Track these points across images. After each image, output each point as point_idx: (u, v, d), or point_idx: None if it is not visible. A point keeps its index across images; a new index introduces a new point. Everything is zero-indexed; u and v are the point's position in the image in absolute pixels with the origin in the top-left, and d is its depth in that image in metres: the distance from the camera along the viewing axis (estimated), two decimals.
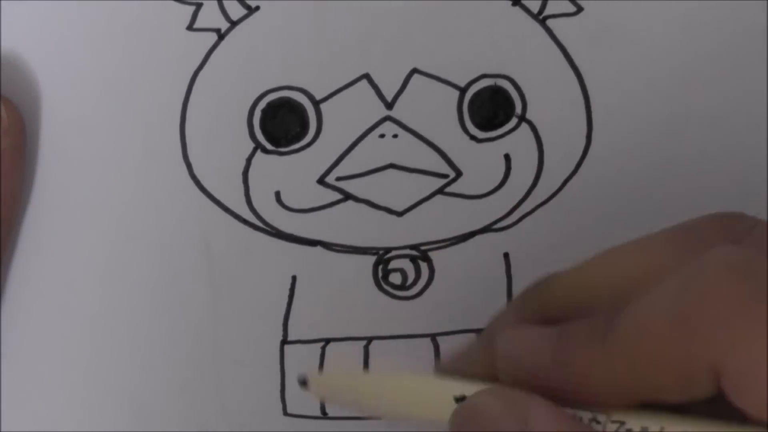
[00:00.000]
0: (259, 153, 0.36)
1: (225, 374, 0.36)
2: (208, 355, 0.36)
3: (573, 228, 0.36)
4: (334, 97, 0.36)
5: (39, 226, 0.36)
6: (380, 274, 0.36)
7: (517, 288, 0.36)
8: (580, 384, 0.25)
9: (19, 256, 0.36)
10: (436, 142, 0.36)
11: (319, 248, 0.36)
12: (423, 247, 0.36)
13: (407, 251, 0.36)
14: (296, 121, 0.36)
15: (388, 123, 0.36)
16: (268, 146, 0.36)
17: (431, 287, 0.36)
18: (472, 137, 0.36)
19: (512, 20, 0.36)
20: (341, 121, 0.36)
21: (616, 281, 0.28)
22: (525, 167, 0.36)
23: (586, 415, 0.26)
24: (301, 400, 0.36)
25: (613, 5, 0.36)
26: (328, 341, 0.36)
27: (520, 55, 0.36)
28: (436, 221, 0.36)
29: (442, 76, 0.36)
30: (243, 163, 0.36)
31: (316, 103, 0.36)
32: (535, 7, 0.36)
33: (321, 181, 0.36)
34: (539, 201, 0.36)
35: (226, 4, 0.36)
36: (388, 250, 0.36)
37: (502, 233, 0.36)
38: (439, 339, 0.36)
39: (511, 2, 0.36)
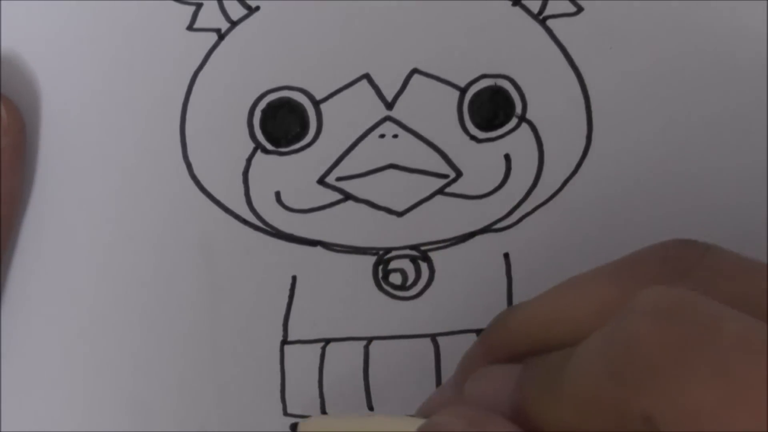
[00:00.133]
0: (259, 153, 0.36)
1: (225, 374, 0.36)
2: (207, 355, 0.36)
3: (573, 228, 0.36)
4: (334, 97, 0.36)
5: (39, 225, 0.36)
6: (380, 275, 0.36)
7: (518, 288, 0.36)
8: (536, 426, 0.26)
9: (19, 255, 0.36)
10: (436, 142, 0.36)
11: (319, 248, 0.36)
12: (423, 248, 0.36)
13: (407, 251, 0.36)
14: (296, 121, 0.36)
15: (388, 123, 0.36)
16: (268, 146, 0.36)
17: (431, 287, 0.36)
18: (472, 137, 0.36)
19: (512, 20, 0.36)
20: (341, 121, 0.36)
21: (567, 317, 0.28)
22: (525, 167, 0.36)
23: None
24: (301, 400, 0.36)
25: (613, 5, 0.36)
26: (328, 341, 0.36)
27: (520, 55, 0.36)
28: (436, 221, 0.36)
29: (442, 76, 0.36)
30: (243, 163, 0.36)
31: (316, 103, 0.36)
32: (535, 7, 0.36)
33: (321, 181, 0.36)
34: (539, 201, 0.36)
35: (226, 4, 0.36)
36: (388, 250, 0.36)
37: (503, 233, 0.36)
38: (439, 339, 0.36)
39: (511, 2, 0.36)
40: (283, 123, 0.36)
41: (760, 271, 0.27)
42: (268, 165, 0.36)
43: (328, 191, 0.36)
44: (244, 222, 0.36)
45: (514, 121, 0.36)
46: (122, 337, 0.36)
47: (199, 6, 0.36)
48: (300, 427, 0.33)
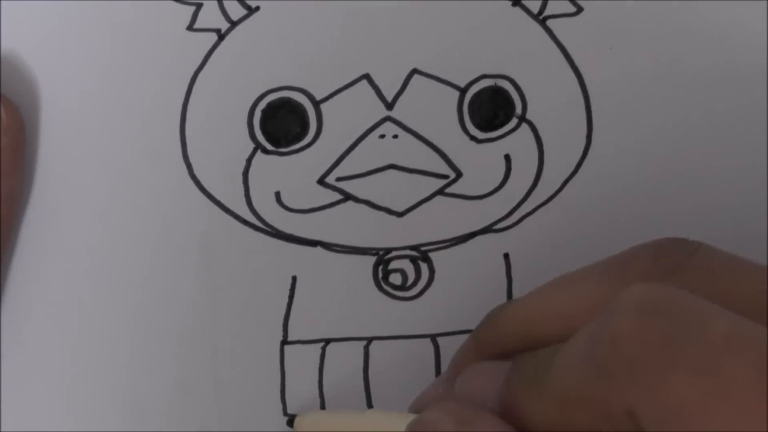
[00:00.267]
0: (259, 153, 0.36)
1: (224, 374, 0.36)
2: (207, 355, 0.36)
3: (573, 228, 0.36)
4: (334, 98, 0.36)
5: (39, 225, 0.36)
6: (380, 275, 0.36)
7: (518, 288, 0.36)
8: (524, 423, 0.26)
9: (19, 255, 0.36)
10: (436, 142, 0.36)
11: (319, 248, 0.36)
12: (423, 248, 0.36)
13: (407, 252, 0.36)
14: (296, 122, 0.36)
15: (388, 123, 0.36)
16: (268, 146, 0.36)
17: (431, 288, 0.36)
18: (472, 138, 0.36)
19: (512, 20, 0.36)
20: (341, 121, 0.36)
21: (557, 314, 0.28)
22: (525, 168, 0.36)
23: None
24: (301, 400, 0.36)
25: (613, 5, 0.36)
26: (328, 341, 0.36)
27: (520, 56, 0.36)
28: (437, 222, 0.36)
29: (442, 76, 0.36)
30: (243, 164, 0.36)
31: (316, 104, 0.36)
32: (535, 7, 0.36)
33: (321, 181, 0.36)
34: (539, 201, 0.36)
35: (226, 4, 0.36)
36: (388, 250, 0.36)
37: (503, 234, 0.36)
38: (440, 339, 0.36)
39: (511, 2, 0.36)
40: (283, 123, 0.36)
41: (751, 270, 0.27)
42: (268, 165, 0.36)
43: (328, 191, 0.36)
44: (244, 222, 0.36)
45: (514, 122, 0.36)
46: (122, 337, 0.36)
47: (199, 6, 0.36)
48: (297, 421, 0.34)
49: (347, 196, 0.36)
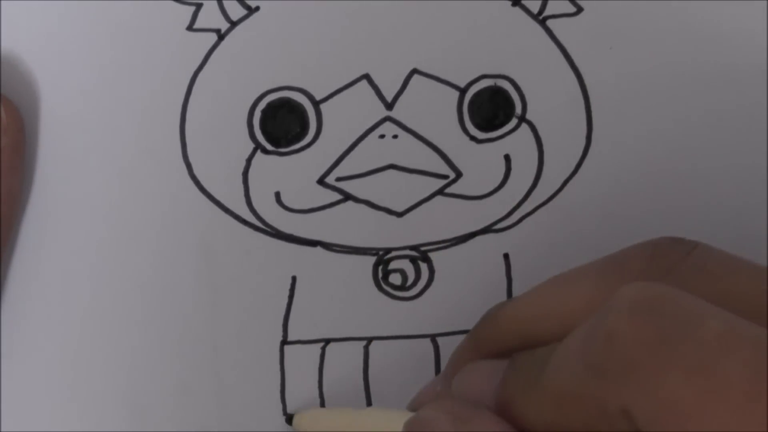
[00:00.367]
0: (259, 153, 0.36)
1: (225, 374, 0.36)
2: (207, 356, 0.36)
3: (573, 228, 0.36)
4: (334, 98, 0.36)
5: (38, 225, 0.36)
6: (380, 275, 0.36)
7: (518, 289, 0.36)
8: (520, 422, 0.26)
9: (19, 255, 0.36)
10: (436, 142, 0.36)
11: (319, 248, 0.36)
12: (423, 248, 0.36)
13: (407, 252, 0.36)
14: (296, 122, 0.36)
15: (388, 123, 0.36)
16: (268, 146, 0.36)
17: (431, 288, 0.36)
18: (472, 138, 0.36)
19: (512, 20, 0.36)
20: (341, 121, 0.36)
21: (554, 313, 0.28)
22: (525, 168, 0.36)
23: None
24: (301, 400, 0.36)
25: (613, 5, 0.36)
26: (328, 341, 0.36)
27: (520, 56, 0.36)
28: (436, 222, 0.36)
29: (442, 76, 0.36)
30: (243, 164, 0.36)
31: (316, 104, 0.36)
32: (535, 7, 0.36)
33: (321, 181, 0.36)
34: (539, 202, 0.36)
35: (226, 4, 0.36)
36: (388, 250, 0.36)
37: (502, 234, 0.36)
38: (439, 339, 0.36)
39: (511, 2, 0.36)
40: (283, 123, 0.36)
41: (748, 270, 0.27)
42: (268, 165, 0.36)
43: (328, 191, 0.36)
44: (244, 222, 0.36)
45: (514, 122, 0.36)
46: (122, 337, 0.36)
47: (198, 6, 0.36)
48: (295, 418, 0.34)
49: (347, 196, 0.36)
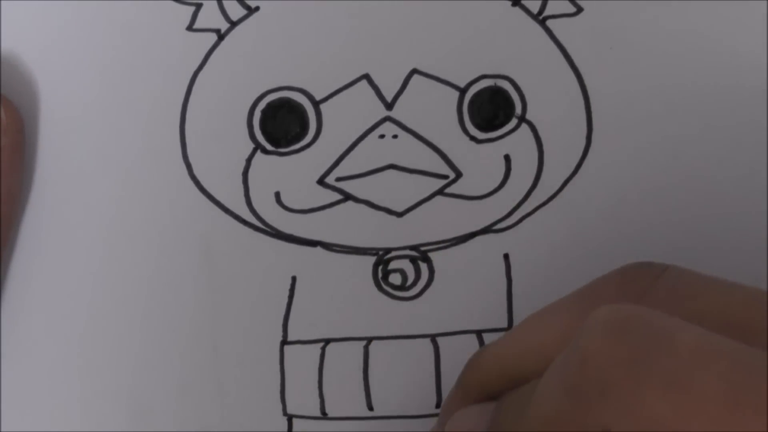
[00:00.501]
0: (259, 153, 0.36)
1: (225, 374, 0.36)
2: (208, 356, 0.36)
3: (573, 229, 0.36)
4: (334, 98, 0.36)
5: (38, 225, 0.36)
6: (380, 275, 0.36)
7: (518, 289, 0.36)
8: None
9: (19, 255, 0.36)
10: (436, 142, 0.36)
11: (319, 248, 0.36)
12: (423, 248, 0.36)
13: (407, 252, 0.36)
14: (296, 122, 0.36)
15: (387, 123, 0.36)
16: (268, 147, 0.36)
17: (431, 288, 0.36)
18: (472, 138, 0.36)
19: (512, 20, 0.36)
20: (341, 121, 0.36)
21: (533, 349, 0.28)
22: (525, 168, 0.36)
23: None
24: (300, 400, 0.36)
25: (613, 5, 0.36)
26: (328, 341, 0.36)
27: (520, 56, 0.36)
28: (436, 222, 0.36)
29: (442, 76, 0.36)
30: (243, 164, 0.36)
31: (316, 104, 0.36)
32: (535, 8, 0.36)
33: (321, 181, 0.36)
34: (539, 202, 0.36)
35: (226, 4, 0.36)
36: (388, 250, 0.36)
37: (502, 234, 0.36)
38: (439, 339, 0.36)
39: (511, 2, 0.36)
40: (282, 123, 0.36)
41: (719, 288, 0.27)
42: (267, 165, 0.36)
43: (328, 191, 0.36)
44: (244, 222, 0.36)
45: (513, 122, 0.36)
46: (122, 337, 0.36)
47: (198, 6, 0.36)
48: None
49: (347, 196, 0.36)
